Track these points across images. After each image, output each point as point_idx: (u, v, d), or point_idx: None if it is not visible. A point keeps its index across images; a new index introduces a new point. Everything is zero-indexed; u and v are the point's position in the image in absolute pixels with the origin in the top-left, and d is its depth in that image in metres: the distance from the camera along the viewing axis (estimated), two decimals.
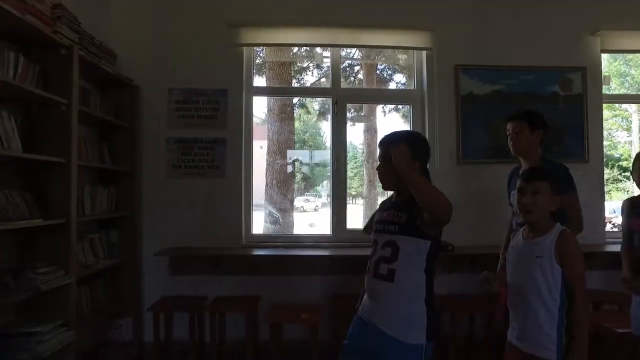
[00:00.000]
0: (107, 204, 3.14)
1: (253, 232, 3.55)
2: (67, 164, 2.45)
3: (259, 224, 3.66)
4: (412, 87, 3.82)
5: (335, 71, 3.69)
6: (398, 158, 1.53)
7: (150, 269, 3.32)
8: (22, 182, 2.39)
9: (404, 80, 4.84)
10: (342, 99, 3.64)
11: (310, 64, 5.29)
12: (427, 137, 3.63)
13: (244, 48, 3.51)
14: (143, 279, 3.36)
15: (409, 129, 3.73)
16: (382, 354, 1.54)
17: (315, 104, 5.86)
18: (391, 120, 4.19)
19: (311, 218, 5.06)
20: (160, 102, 3.43)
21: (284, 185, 4.77)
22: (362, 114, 4.74)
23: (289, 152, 5.21)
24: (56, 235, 2.40)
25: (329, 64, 3.77)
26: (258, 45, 3.56)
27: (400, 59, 4.00)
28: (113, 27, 3.42)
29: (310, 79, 5.79)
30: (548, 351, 1.56)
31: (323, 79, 5.81)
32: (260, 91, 3.69)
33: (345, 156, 3.62)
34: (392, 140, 1.67)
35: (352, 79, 5.42)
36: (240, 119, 3.46)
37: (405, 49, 3.75)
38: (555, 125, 3.57)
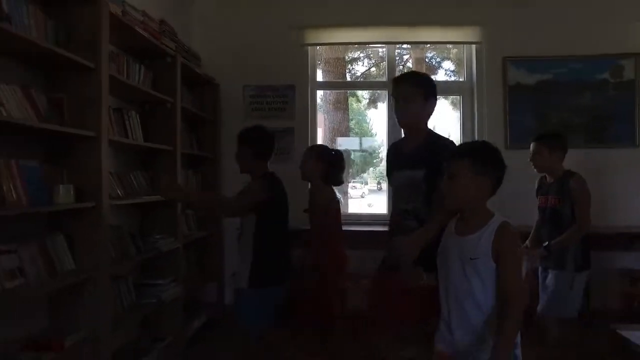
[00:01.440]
0: (196, 185, 3.72)
1: None
2: (173, 152, 3.01)
3: None
4: (462, 79, 4.10)
5: (391, 65, 4.05)
6: None
7: (231, 242, 3.87)
8: (140, 165, 2.98)
9: (451, 67, 5.08)
10: None
11: (361, 54, 5.65)
12: (476, 125, 3.93)
13: (309, 47, 3.94)
14: (225, 250, 3.93)
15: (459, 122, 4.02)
16: None
17: (365, 92, 6.22)
18: (441, 109, 4.49)
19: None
20: (237, 98, 3.95)
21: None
22: None
23: (339, 140, 5.62)
24: (167, 209, 2.96)
25: (381, 55, 4.12)
26: (321, 44, 3.98)
27: (450, 51, 4.28)
28: (195, 32, 3.96)
29: (360, 68, 6.16)
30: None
31: (373, 68, 6.16)
32: (323, 85, 4.12)
33: None
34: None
35: (401, 67, 5.73)
36: (306, 111, 3.93)
37: (456, 44, 4.04)
38: (604, 112, 3.77)
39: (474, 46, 3.94)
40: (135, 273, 2.82)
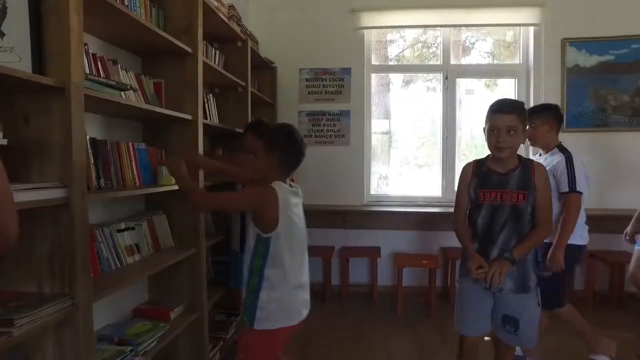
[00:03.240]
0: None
1: (372, 192, 4.09)
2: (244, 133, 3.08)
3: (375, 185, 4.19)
4: (517, 61, 4.06)
5: (446, 49, 4.03)
6: None
7: None
8: (216, 145, 3.07)
9: (487, 49, 5.00)
10: (452, 74, 4.00)
11: (396, 36, 5.57)
12: None
13: (364, 30, 3.94)
14: None
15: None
16: None
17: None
18: (488, 92, 4.43)
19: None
20: (293, 80, 4.00)
21: (384, 154, 5.23)
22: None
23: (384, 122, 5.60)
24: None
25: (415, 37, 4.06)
26: (377, 27, 3.95)
27: (506, 34, 4.21)
28: (252, 15, 3.99)
29: (394, 50, 6.06)
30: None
31: (406, 51, 6.07)
32: (378, 68, 4.11)
33: (454, 126, 4.02)
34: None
35: (434, 48, 5.65)
36: (361, 94, 3.95)
37: (514, 26, 3.96)
38: None
39: (531, 28, 3.90)
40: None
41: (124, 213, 2.06)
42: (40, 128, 1.33)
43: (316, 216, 3.93)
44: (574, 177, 2.26)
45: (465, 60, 4.20)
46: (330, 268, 3.81)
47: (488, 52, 5.38)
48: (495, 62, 4.24)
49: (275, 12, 4.01)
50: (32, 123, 1.33)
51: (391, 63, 4.26)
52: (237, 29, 3.11)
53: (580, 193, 2.27)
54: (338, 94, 3.95)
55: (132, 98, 1.84)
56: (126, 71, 1.86)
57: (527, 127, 2.30)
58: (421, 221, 3.85)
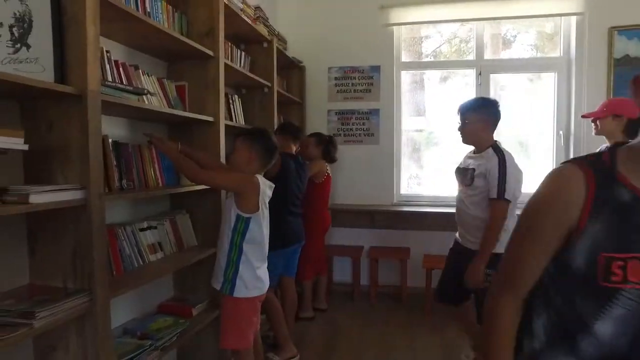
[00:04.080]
0: None
1: (401, 192, 4.02)
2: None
3: (405, 185, 4.10)
4: (558, 54, 3.83)
5: (479, 43, 3.88)
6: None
7: None
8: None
9: (530, 42, 4.74)
10: (486, 70, 3.84)
11: (432, 31, 5.42)
12: (573, 101, 3.70)
13: (394, 27, 3.86)
14: None
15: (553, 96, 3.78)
16: None
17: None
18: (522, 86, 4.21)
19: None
20: (321, 79, 3.99)
21: (416, 153, 5.12)
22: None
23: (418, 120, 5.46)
24: None
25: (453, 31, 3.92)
26: (407, 24, 3.85)
27: (545, 26, 3.99)
28: (280, 15, 4.02)
29: (431, 46, 5.89)
30: None
31: (443, 46, 5.88)
32: (408, 65, 4.02)
33: None
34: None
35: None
36: (391, 92, 3.89)
37: (555, 16, 3.74)
38: None
39: (573, 17, 3.66)
40: None
41: (149, 213, 2.14)
42: (62, 133, 1.41)
43: (345, 216, 3.93)
44: (505, 183, 2.07)
45: (505, 55, 4.00)
46: (359, 268, 3.79)
47: (531, 45, 5.13)
48: (538, 55, 4.01)
49: (303, 12, 4.02)
50: (55, 129, 1.41)
51: (426, 59, 4.14)
52: (264, 30, 3.15)
53: (509, 201, 2.09)
54: (367, 92, 3.90)
55: (154, 102, 1.91)
56: (148, 76, 1.93)
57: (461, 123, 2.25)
58: (453, 222, 3.72)
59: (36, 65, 1.33)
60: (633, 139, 0.83)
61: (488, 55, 3.92)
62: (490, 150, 2.19)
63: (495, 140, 2.24)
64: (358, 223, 3.85)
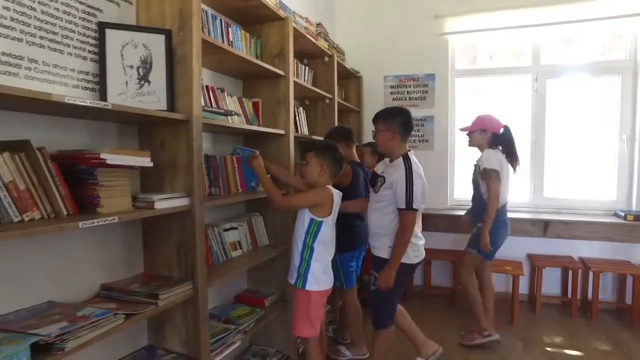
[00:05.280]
0: None
1: (455, 197, 4.11)
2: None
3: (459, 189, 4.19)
4: (623, 57, 3.74)
5: (535, 49, 3.88)
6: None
7: None
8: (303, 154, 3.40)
9: (590, 44, 4.61)
10: (542, 76, 3.84)
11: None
12: (638, 106, 3.60)
13: (449, 35, 3.96)
14: None
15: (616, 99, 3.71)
16: None
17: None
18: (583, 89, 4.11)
19: None
20: (378, 88, 4.18)
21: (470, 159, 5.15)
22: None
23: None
24: None
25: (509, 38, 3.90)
26: (462, 32, 3.93)
27: (610, 27, 3.89)
28: (338, 27, 4.26)
29: (486, 52, 5.83)
30: None
31: (499, 53, 5.79)
32: (464, 73, 4.10)
33: (544, 129, 3.85)
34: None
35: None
36: (445, 99, 3.99)
37: (622, 17, 3.63)
38: None
39: None
40: None
41: (228, 215, 2.46)
42: (171, 151, 1.72)
43: None
44: (412, 192, 2.10)
45: (564, 59, 3.93)
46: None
47: (593, 48, 4.95)
48: (601, 58, 3.91)
49: (360, 24, 4.22)
50: (166, 147, 1.73)
51: (482, 66, 4.17)
52: (325, 44, 3.39)
53: (416, 210, 2.13)
54: (422, 100, 4.04)
55: (235, 120, 2.21)
56: (230, 96, 2.23)
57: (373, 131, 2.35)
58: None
59: (154, 97, 1.65)
60: None
61: (546, 59, 3.90)
62: (400, 159, 2.20)
63: (409, 150, 2.26)
64: None
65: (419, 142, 4.05)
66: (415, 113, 4.06)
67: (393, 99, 4.13)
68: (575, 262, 3.59)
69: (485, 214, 2.81)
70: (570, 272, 3.52)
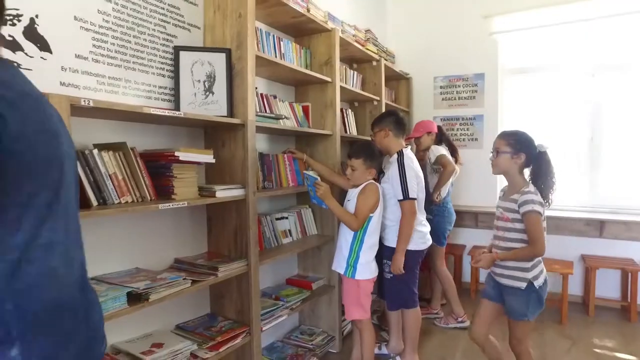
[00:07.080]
0: None
1: None
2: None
3: None
4: None
5: (591, 44, 3.76)
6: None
7: None
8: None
9: None
10: (598, 72, 3.73)
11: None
12: None
13: (498, 34, 3.98)
14: None
15: None
16: None
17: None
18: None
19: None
20: (427, 88, 4.30)
21: None
22: None
23: (517, 125, 5.35)
24: None
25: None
26: (511, 31, 3.92)
27: None
28: (389, 31, 4.43)
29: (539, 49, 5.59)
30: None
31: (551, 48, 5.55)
32: (512, 71, 4.08)
33: (600, 128, 3.74)
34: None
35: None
36: (495, 98, 4.02)
37: None
38: None
39: None
40: None
41: (281, 206, 2.77)
42: (230, 150, 2.06)
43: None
44: (406, 183, 2.32)
45: (623, 54, 3.77)
46: (461, 265, 4.03)
47: None
48: None
49: (410, 26, 4.36)
50: (226, 147, 2.07)
51: (532, 64, 4.12)
52: (373, 49, 3.61)
53: (414, 199, 2.33)
54: (471, 99, 4.09)
55: (287, 123, 2.51)
56: (282, 102, 2.54)
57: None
58: (561, 225, 3.73)
59: (217, 105, 2.00)
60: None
61: (602, 55, 3.77)
62: (395, 155, 2.44)
63: (405, 146, 2.49)
64: (462, 223, 4.07)
65: (469, 140, 4.11)
66: (465, 112, 4.13)
67: (442, 99, 4.23)
68: (635, 264, 3.46)
69: (440, 182, 3.10)
70: (630, 274, 3.41)
